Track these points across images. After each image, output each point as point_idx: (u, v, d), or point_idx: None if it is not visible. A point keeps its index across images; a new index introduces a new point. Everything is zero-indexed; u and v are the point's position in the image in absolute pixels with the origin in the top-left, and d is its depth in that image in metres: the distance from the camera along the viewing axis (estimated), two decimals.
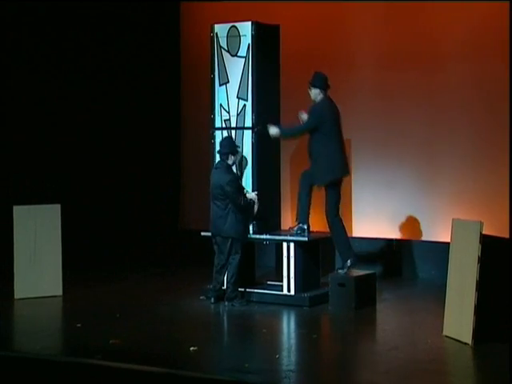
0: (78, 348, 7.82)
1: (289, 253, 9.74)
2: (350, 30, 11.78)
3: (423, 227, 11.30)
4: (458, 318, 7.95)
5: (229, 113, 10.09)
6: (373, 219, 11.63)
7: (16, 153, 11.62)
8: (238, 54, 10.01)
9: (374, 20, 11.59)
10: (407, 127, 11.42)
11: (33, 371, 6.94)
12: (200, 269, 11.21)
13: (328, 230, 9.90)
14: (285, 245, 9.77)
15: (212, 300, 9.80)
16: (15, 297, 9.95)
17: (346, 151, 9.83)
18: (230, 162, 9.71)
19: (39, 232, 10.11)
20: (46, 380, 6.83)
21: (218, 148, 9.86)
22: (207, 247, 10.26)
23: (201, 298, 9.98)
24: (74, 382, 6.80)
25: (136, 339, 8.11)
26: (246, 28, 9.94)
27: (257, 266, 10.58)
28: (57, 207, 10.20)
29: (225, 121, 10.13)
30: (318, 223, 11.10)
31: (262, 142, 9.97)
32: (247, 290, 9.89)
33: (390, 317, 9.50)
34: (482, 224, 7.74)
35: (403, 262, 11.44)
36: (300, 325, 9.10)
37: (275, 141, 10.15)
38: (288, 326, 9.30)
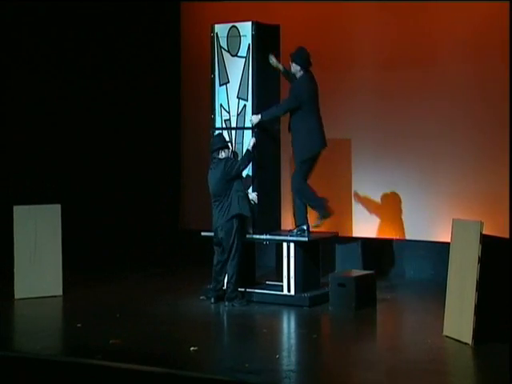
0: (78, 348, 7.82)
1: (289, 253, 9.74)
2: (350, 30, 11.78)
3: (423, 227, 11.30)
4: (458, 318, 7.95)
5: (229, 113, 10.10)
6: (373, 219, 11.63)
7: (16, 153, 11.62)
8: (239, 54, 10.01)
9: (374, 20, 11.59)
10: (407, 127, 11.42)
11: (33, 371, 6.95)
12: (200, 269, 11.22)
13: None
14: (285, 245, 9.77)
15: (212, 300, 9.81)
16: (15, 297, 9.95)
17: (323, 125, 9.83)
18: (221, 157, 9.73)
19: (39, 232, 10.11)
20: (46, 380, 6.84)
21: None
22: (207, 247, 10.26)
23: (201, 298, 9.98)
24: (74, 382, 6.81)
25: (136, 339, 8.10)
26: (246, 28, 9.94)
27: (257, 266, 10.58)
28: (57, 207, 10.20)
29: (225, 121, 10.14)
30: None
31: (262, 142, 9.98)
32: (247, 290, 9.89)
33: (390, 317, 9.50)
34: (482, 224, 7.74)
35: (403, 262, 11.43)
36: (300, 325, 9.10)
37: (275, 141, 10.17)
38: (288, 326, 9.30)
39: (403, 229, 11.48)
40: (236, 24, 10.03)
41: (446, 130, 11.16)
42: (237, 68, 10.03)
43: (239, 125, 10.02)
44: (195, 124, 12.85)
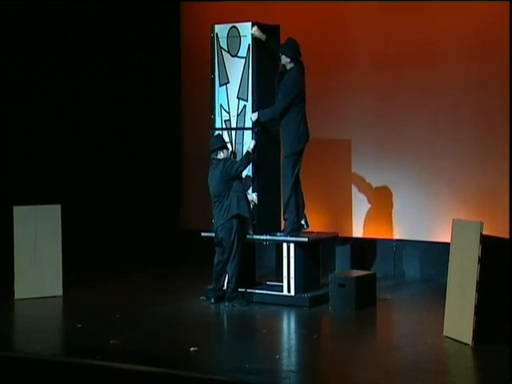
0: (78, 348, 7.82)
1: (289, 253, 9.74)
2: (350, 30, 11.77)
3: (423, 227, 11.30)
4: (458, 319, 7.95)
5: (229, 113, 10.09)
6: (373, 219, 11.62)
7: (16, 153, 11.62)
8: (238, 55, 10.01)
9: (374, 20, 11.58)
10: (407, 127, 11.42)
11: (33, 371, 6.95)
12: (200, 269, 11.22)
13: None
14: (285, 245, 9.77)
15: (212, 300, 9.81)
16: (15, 297, 9.95)
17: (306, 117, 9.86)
18: (220, 157, 9.73)
19: (39, 232, 10.12)
20: (46, 380, 6.84)
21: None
22: (207, 247, 10.27)
23: (201, 298, 9.98)
24: (74, 382, 6.81)
25: (136, 339, 8.11)
26: (246, 28, 9.94)
27: (257, 266, 10.58)
28: (57, 207, 10.20)
29: (225, 121, 10.13)
30: (318, 223, 11.12)
31: (262, 142, 9.97)
32: (247, 290, 9.89)
33: (390, 317, 9.50)
34: (482, 224, 7.74)
35: (403, 261, 11.43)
36: (300, 325, 9.10)
37: (275, 141, 10.16)
38: (288, 327, 9.30)
39: (403, 229, 11.48)
40: (236, 24, 10.03)
41: (446, 129, 11.15)
42: (237, 68, 10.03)
43: (239, 125, 10.02)
44: (195, 124, 12.85)
